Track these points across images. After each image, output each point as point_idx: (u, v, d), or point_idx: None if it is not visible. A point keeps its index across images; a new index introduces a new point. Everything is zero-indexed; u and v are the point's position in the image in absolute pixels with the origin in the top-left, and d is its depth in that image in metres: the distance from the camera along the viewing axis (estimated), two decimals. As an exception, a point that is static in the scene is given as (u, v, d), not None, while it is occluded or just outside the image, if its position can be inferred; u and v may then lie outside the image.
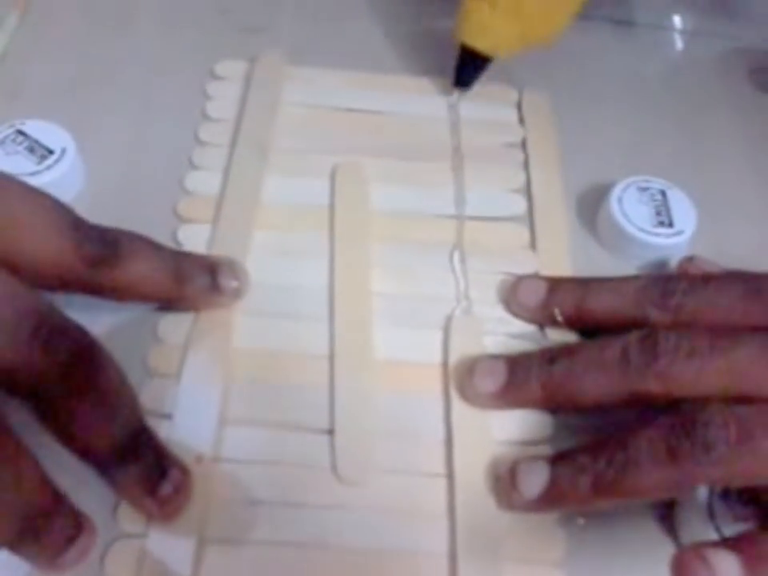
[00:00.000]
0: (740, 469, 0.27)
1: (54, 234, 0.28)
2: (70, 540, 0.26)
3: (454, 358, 0.33)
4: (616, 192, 0.37)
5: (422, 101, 0.42)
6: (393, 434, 0.31)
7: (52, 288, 0.29)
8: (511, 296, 0.35)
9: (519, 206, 0.38)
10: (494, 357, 0.32)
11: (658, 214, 0.37)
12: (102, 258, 0.29)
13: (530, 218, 0.38)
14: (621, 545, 0.30)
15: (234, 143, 0.39)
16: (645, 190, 0.37)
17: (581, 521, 0.30)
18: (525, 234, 0.37)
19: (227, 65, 0.42)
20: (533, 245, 0.37)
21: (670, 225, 0.36)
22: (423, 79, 0.43)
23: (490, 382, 0.32)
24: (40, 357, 0.24)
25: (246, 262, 0.35)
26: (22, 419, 0.25)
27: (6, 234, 0.27)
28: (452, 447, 0.31)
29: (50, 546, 0.25)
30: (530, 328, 0.34)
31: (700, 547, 0.25)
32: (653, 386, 0.29)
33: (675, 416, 0.28)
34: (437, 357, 0.33)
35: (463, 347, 0.33)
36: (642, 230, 0.36)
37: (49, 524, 0.25)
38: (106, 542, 0.28)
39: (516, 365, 0.32)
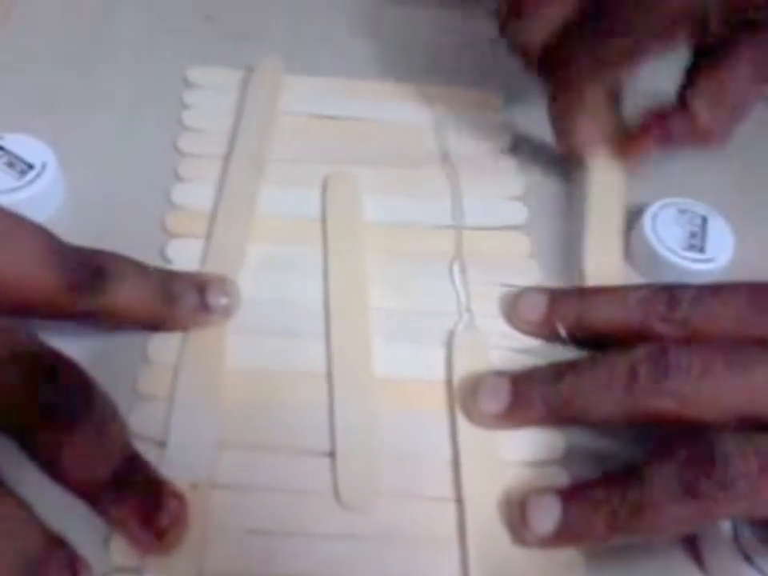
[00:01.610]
0: (761, 502, 0.26)
1: (36, 261, 0.27)
2: None
3: (458, 375, 0.32)
4: (653, 209, 0.36)
5: (412, 108, 0.41)
6: (396, 456, 0.30)
7: (35, 316, 0.28)
8: (512, 311, 0.34)
9: (519, 214, 0.37)
10: (498, 375, 0.31)
11: (692, 237, 0.36)
12: (86, 284, 0.28)
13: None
14: (643, 571, 0.29)
15: (228, 155, 0.38)
16: (684, 212, 0.36)
17: None
18: (526, 243, 0.36)
19: (200, 71, 0.41)
20: (533, 254, 0.36)
21: (701, 250, 0.35)
22: (411, 86, 0.42)
23: (494, 402, 0.30)
24: (27, 394, 0.23)
25: (238, 277, 0.33)
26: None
27: None
28: (459, 469, 0.30)
29: None
30: (536, 341, 0.33)
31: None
32: (664, 405, 0.28)
33: (691, 447, 0.27)
34: (440, 373, 0.32)
35: (467, 363, 0.32)
36: (669, 249, 0.35)
37: (44, 572, 0.24)
38: (96, 576, 0.26)
39: (520, 383, 0.30)
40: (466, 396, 0.31)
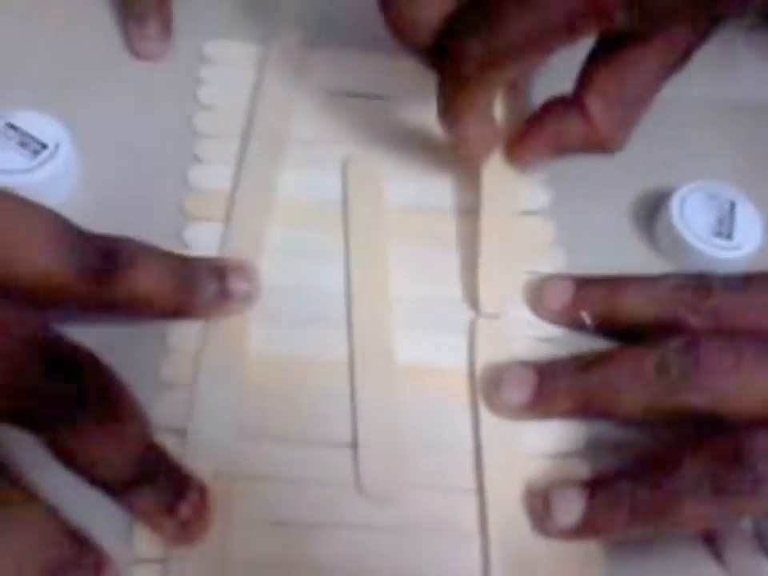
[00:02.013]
0: None
1: (52, 250, 0.27)
2: None
3: (480, 364, 0.31)
4: (681, 192, 0.35)
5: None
6: (419, 446, 0.30)
7: (52, 306, 0.27)
8: (536, 298, 0.33)
9: (543, 197, 0.36)
10: (523, 365, 0.31)
11: (720, 223, 0.35)
12: (103, 272, 0.28)
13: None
14: (663, 568, 0.29)
15: (246, 134, 0.37)
16: (713, 197, 0.35)
17: None
18: (551, 228, 0.36)
19: (216, 46, 0.40)
20: (558, 240, 0.35)
21: (729, 237, 0.34)
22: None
23: (519, 393, 0.30)
24: (48, 391, 0.23)
25: (258, 263, 0.32)
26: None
27: (2, 253, 0.26)
28: (482, 461, 0.29)
29: None
30: (561, 331, 0.33)
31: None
32: (694, 400, 0.27)
33: (720, 442, 0.26)
34: (462, 362, 0.32)
35: (490, 352, 0.32)
36: (696, 235, 0.34)
37: (72, 573, 0.24)
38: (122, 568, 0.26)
39: (546, 374, 0.30)
40: (489, 386, 0.31)
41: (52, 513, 0.24)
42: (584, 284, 0.33)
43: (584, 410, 0.29)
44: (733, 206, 0.35)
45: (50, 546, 0.23)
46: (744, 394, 0.27)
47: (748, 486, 0.25)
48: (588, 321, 0.32)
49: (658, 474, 0.27)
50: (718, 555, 0.29)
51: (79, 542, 0.24)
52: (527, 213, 0.36)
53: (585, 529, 0.27)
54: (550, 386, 0.30)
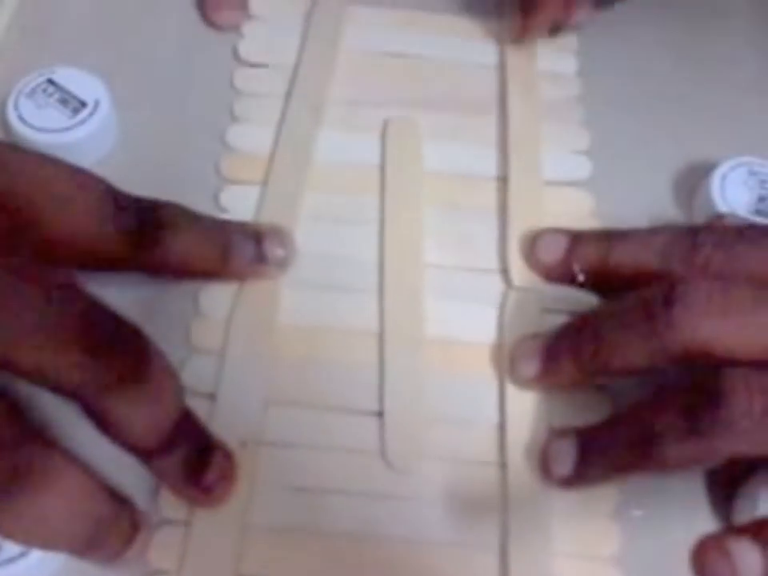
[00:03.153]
0: (764, 442, 0.25)
1: (93, 214, 0.27)
2: (130, 540, 0.26)
3: (509, 338, 0.31)
4: (723, 168, 0.34)
5: (480, 46, 0.39)
6: (445, 418, 0.30)
7: (91, 268, 0.28)
8: (529, 251, 0.32)
9: (583, 169, 0.36)
10: (532, 338, 0.31)
11: (760, 201, 0.34)
12: (142, 235, 0.28)
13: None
14: (676, 541, 0.28)
15: (287, 95, 0.36)
16: (755, 173, 0.34)
17: (636, 512, 0.29)
18: (589, 201, 0.35)
19: (261, 1, 0.39)
20: (596, 212, 0.35)
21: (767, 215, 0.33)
22: (482, 21, 0.39)
23: (530, 365, 0.30)
24: (84, 355, 0.23)
25: (293, 228, 0.33)
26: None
27: (44, 215, 0.26)
28: (505, 435, 0.30)
29: (113, 549, 0.26)
30: (590, 304, 0.32)
31: (722, 537, 0.23)
32: (684, 340, 0.26)
33: (697, 383, 0.26)
34: (491, 335, 0.32)
35: (520, 326, 0.31)
36: (734, 213, 0.33)
37: (112, 530, 0.25)
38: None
39: (548, 345, 0.30)
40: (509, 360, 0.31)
41: (90, 473, 0.24)
42: (578, 237, 0.32)
43: (588, 371, 0.29)
44: None
45: (91, 504, 0.24)
46: (739, 337, 0.26)
47: (722, 425, 0.25)
48: (580, 276, 0.31)
49: (639, 418, 0.27)
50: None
51: (117, 501, 0.25)
52: (567, 183, 0.35)
53: (577, 477, 0.28)
54: (554, 354, 0.30)
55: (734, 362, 0.26)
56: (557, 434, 0.29)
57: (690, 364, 0.27)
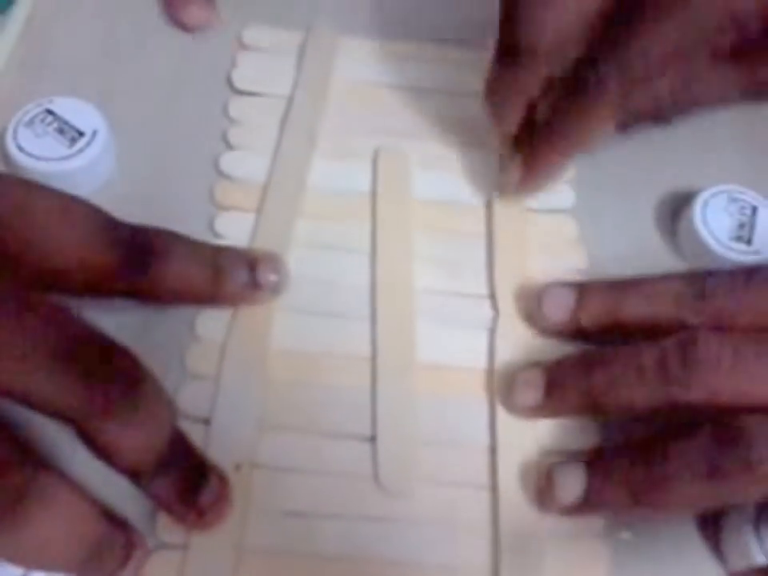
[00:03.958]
0: None
1: (88, 242, 0.28)
2: (125, 561, 0.26)
3: (499, 363, 0.32)
4: (704, 195, 0.35)
5: (471, 75, 0.39)
6: (436, 442, 0.31)
7: (86, 294, 0.28)
8: (537, 309, 0.32)
9: (567, 198, 0.37)
10: (533, 367, 0.31)
11: (740, 228, 0.35)
12: (136, 261, 0.29)
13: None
14: (665, 564, 0.29)
15: (283, 123, 0.37)
16: (735, 201, 0.35)
17: (625, 534, 0.29)
18: (573, 227, 0.36)
19: (256, 32, 0.40)
20: (581, 238, 0.35)
21: (748, 242, 0.34)
22: (472, 51, 0.40)
23: (530, 395, 0.30)
24: (78, 380, 0.23)
25: (286, 255, 0.33)
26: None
27: (38, 245, 0.27)
28: (497, 459, 0.30)
29: (109, 571, 0.26)
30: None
31: None
32: (694, 396, 0.27)
33: (716, 425, 0.27)
34: (482, 360, 0.32)
35: (509, 352, 0.32)
36: (716, 239, 0.34)
37: (107, 551, 0.25)
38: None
39: (553, 375, 0.30)
40: (506, 386, 0.31)
41: (85, 495, 0.25)
42: (584, 291, 0.32)
43: (591, 407, 0.30)
44: (755, 210, 0.35)
45: (87, 526, 0.25)
46: (745, 391, 0.27)
47: (742, 468, 0.26)
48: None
49: (655, 454, 0.27)
50: (718, 552, 0.29)
51: (112, 522, 0.26)
52: (551, 211, 0.36)
53: (585, 505, 0.28)
54: (558, 386, 0.30)
55: (743, 410, 0.27)
56: (562, 461, 0.29)
57: (699, 415, 0.28)
